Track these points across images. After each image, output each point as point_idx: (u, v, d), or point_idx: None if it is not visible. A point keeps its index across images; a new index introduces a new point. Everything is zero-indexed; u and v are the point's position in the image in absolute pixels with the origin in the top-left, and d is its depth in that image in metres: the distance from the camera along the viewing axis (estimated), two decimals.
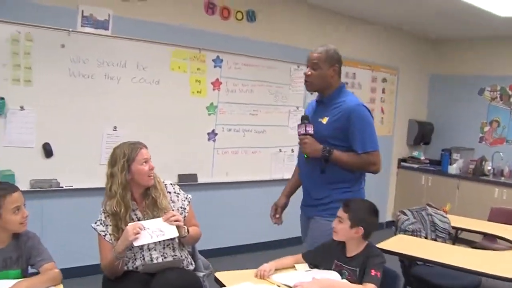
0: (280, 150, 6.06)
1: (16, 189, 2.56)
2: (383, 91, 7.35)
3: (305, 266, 2.98)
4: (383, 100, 7.36)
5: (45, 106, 4.31)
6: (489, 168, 7.34)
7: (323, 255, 2.98)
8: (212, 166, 5.42)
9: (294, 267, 2.98)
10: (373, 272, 2.69)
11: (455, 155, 7.47)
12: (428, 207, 4.88)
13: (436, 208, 4.91)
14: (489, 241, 5.30)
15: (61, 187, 4.44)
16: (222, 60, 5.34)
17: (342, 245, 2.92)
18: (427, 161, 7.90)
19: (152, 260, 2.91)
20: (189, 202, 3.14)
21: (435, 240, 4.63)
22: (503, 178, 7.20)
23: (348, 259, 2.86)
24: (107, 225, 2.87)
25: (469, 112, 7.74)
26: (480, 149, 7.60)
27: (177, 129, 5.11)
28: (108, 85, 4.62)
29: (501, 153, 7.29)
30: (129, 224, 2.76)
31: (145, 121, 4.87)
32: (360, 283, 2.69)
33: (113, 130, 4.69)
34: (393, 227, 4.85)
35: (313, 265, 3.00)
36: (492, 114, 7.61)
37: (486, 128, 7.67)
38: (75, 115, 4.48)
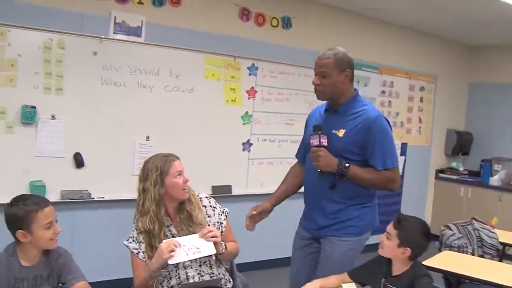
0: None
1: (48, 203, 2.40)
2: (421, 100, 7.10)
3: (352, 286, 2.77)
4: (420, 109, 7.10)
5: (76, 115, 4.19)
6: None
7: (370, 273, 2.78)
8: (246, 177, 5.25)
9: (341, 287, 2.78)
10: None
11: (496, 166, 7.18)
12: (474, 221, 4.63)
13: (482, 223, 4.65)
14: None
15: (92, 198, 4.31)
16: (257, 68, 5.18)
17: (389, 262, 2.72)
18: (466, 172, 7.59)
19: (188, 279, 2.74)
20: (226, 216, 2.95)
21: (482, 256, 4.38)
22: None
23: (393, 278, 2.66)
24: (140, 242, 2.70)
25: (510, 121, 7.42)
26: None
27: (211, 139, 4.95)
28: (141, 93, 4.49)
29: None
30: (164, 241, 2.59)
31: (179, 131, 4.73)
32: None
33: (146, 140, 4.55)
34: (437, 242, 4.59)
35: (361, 284, 2.80)
36: None
37: None
38: (107, 124, 4.36)
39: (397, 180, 2.96)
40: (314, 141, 2.87)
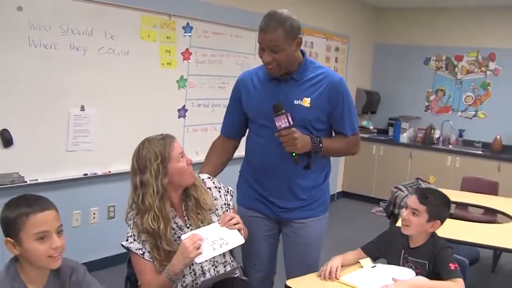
0: None
1: (47, 207, 1.82)
2: (336, 60, 7.10)
3: (369, 261, 2.63)
4: (335, 69, 7.10)
5: (0, 85, 3.51)
6: (437, 136, 7.42)
7: (386, 246, 2.67)
8: (182, 145, 4.84)
9: (358, 263, 2.62)
10: (452, 266, 2.41)
11: (404, 124, 7.44)
12: (420, 181, 4.75)
13: (426, 182, 4.80)
14: (461, 210, 5.29)
15: (24, 182, 3.69)
16: (192, 28, 4.74)
17: (405, 235, 2.62)
18: (375, 130, 7.83)
19: (204, 273, 2.39)
20: (231, 195, 2.61)
21: None
22: (450, 146, 7.30)
23: (413, 250, 2.57)
24: (143, 241, 2.27)
25: (415, 81, 7.73)
26: (426, 118, 7.65)
27: (148, 106, 4.49)
28: (73, 56, 3.89)
29: (450, 122, 7.36)
30: (184, 237, 2.20)
31: (115, 99, 4.22)
32: (431, 277, 2.43)
33: (81, 110, 3.98)
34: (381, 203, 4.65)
35: (376, 257, 2.67)
36: (438, 83, 7.65)
37: (432, 97, 7.70)
38: (36, 94, 3.72)
39: (360, 143, 2.79)
40: (282, 123, 2.45)
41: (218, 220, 2.38)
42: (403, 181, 5.40)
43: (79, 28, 3.88)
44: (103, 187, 4.27)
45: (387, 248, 2.66)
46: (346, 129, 2.66)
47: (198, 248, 2.16)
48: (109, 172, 4.25)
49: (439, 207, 2.55)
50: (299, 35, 2.50)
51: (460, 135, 7.41)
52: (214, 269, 2.42)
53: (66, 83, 3.87)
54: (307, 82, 2.59)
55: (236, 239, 2.31)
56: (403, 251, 2.59)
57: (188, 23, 4.70)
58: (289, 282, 2.42)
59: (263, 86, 2.64)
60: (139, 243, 2.27)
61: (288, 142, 2.47)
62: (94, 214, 4.29)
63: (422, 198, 2.55)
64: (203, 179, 2.53)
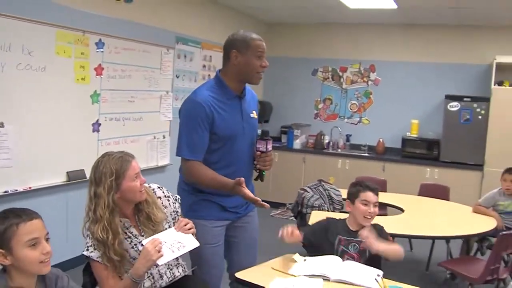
0: (154, 137, 5.79)
1: (35, 216, 1.96)
2: None
3: (299, 256, 2.98)
4: None
5: None
6: (327, 141, 8.04)
7: (324, 234, 3.05)
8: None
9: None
10: (391, 239, 3.01)
11: (296, 131, 7.98)
12: (322, 182, 5.21)
13: (327, 183, 5.27)
14: None
15: None
16: (104, 44, 4.86)
17: (342, 221, 3.05)
18: None
19: (161, 276, 2.61)
20: (179, 203, 2.85)
21: (333, 211, 4.99)
22: (339, 150, 7.95)
23: (354, 232, 2.99)
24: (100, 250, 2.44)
25: (304, 91, 8.31)
26: (316, 125, 8.24)
27: (64, 121, 4.54)
28: None
29: (339, 128, 8.01)
30: (146, 242, 2.39)
31: (33, 115, 4.23)
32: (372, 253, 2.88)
33: (0, 127, 3.96)
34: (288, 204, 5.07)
35: (309, 242, 3.04)
36: (325, 93, 8.29)
37: (320, 105, 8.32)
38: None
39: None
40: (269, 147, 2.85)
41: (174, 226, 2.60)
42: (299, 185, 5.90)
43: None
44: (25, 203, 4.23)
45: (324, 234, 3.04)
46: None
47: (159, 251, 2.36)
48: (30, 188, 4.25)
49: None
50: None
51: (348, 140, 8.08)
52: (169, 272, 2.64)
53: None
54: (248, 97, 2.99)
55: (191, 242, 2.55)
56: (339, 236, 2.99)
57: (100, 39, 4.81)
58: (239, 274, 2.69)
59: (228, 105, 2.86)
60: (98, 251, 2.42)
61: (268, 163, 2.87)
62: None
63: (375, 191, 3.01)
64: (153, 190, 2.72)
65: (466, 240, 4.77)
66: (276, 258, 2.95)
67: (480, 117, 6.84)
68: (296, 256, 2.96)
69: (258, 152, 2.86)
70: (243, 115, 2.91)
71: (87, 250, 2.44)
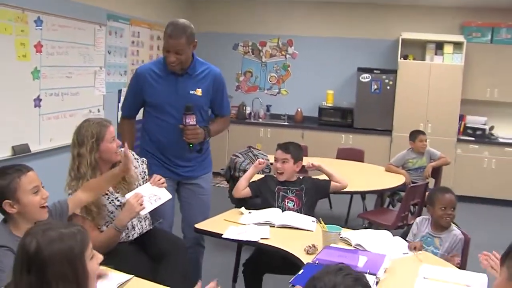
0: (90, 111, 6.03)
1: (29, 168, 2.33)
2: (158, 48, 7.73)
3: (244, 209, 3.48)
4: (157, 57, 7.73)
5: None
6: (249, 112, 8.55)
7: (265, 185, 3.62)
8: (39, 133, 5.16)
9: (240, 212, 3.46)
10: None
11: None
12: (252, 148, 5.72)
13: (255, 149, 5.79)
14: None
15: None
16: (42, 21, 5.03)
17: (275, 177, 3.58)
18: None
19: (134, 227, 3.01)
20: (146, 164, 3.26)
21: (263, 174, 5.50)
22: (260, 119, 8.49)
23: (289, 183, 3.56)
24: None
25: (226, 65, 8.66)
26: (238, 97, 8.70)
27: (6, 98, 4.70)
28: None
29: (259, 99, 8.53)
30: (128, 195, 2.81)
31: None
32: (305, 201, 3.52)
33: None
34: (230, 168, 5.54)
35: (255, 194, 3.61)
36: (246, 66, 8.78)
37: (241, 78, 8.80)
38: None
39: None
40: (190, 121, 3.27)
41: (149, 181, 3.01)
42: (223, 154, 6.49)
43: None
44: None
45: (265, 185, 3.61)
46: (224, 110, 3.62)
47: (141, 204, 2.78)
48: None
49: (298, 151, 3.56)
50: (195, 40, 3.30)
51: (268, 110, 8.64)
52: (139, 224, 3.05)
53: None
54: (198, 76, 3.43)
55: (165, 195, 2.99)
56: (278, 186, 3.54)
57: (39, 17, 4.97)
58: (198, 225, 3.15)
59: (164, 79, 3.36)
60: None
61: (191, 136, 3.28)
62: None
63: (285, 149, 3.51)
64: None
65: (380, 194, 5.47)
66: (226, 212, 3.43)
67: (388, 87, 7.61)
68: (243, 209, 3.46)
69: (181, 125, 3.30)
70: (178, 90, 3.36)
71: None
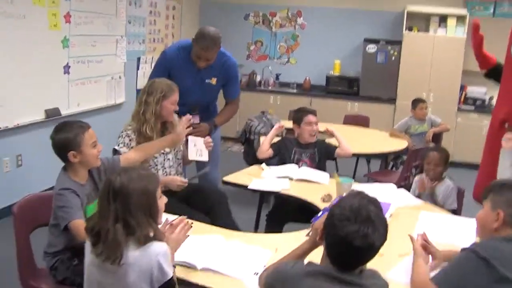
0: (112, 78, 6.40)
1: (89, 125, 2.72)
2: (173, 18, 8.05)
3: (266, 166, 3.89)
4: (173, 27, 8.08)
5: None
6: (259, 80, 8.91)
7: (284, 146, 4.01)
8: (68, 98, 5.54)
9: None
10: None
11: None
12: (264, 113, 6.12)
13: (269, 113, 6.18)
14: None
15: None
16: None
17: (294, 139, 3.99)
18: None
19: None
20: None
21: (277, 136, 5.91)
22: (270, 87, 8.85)
23: (304, 145, 3.95)
24: (131, 147, 3.20)
25: (237, 34, 8.99)
26: (249, 65, 9.03)
27: (40, 65, 5.08)
28: None
29: (269, 67, 8.89)
30: (177, 178, 3.27)
31: (15, 59, 4.75)
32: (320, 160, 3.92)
33: None
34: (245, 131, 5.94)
35: (276, 152, 4.00)
36: (256, 36, 9.09)
37: (252, 47, 9.13)
38: None
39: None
40: (195, 120, 3.75)
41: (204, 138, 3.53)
42: (234, 120, 6.78)
43: None
44: (12, 139, 4.88)
45: (284, 146, 4.01)
46: (235, 94, 4.16)
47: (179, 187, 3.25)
48: (18, 124, 4.84)
49: None
50: (221, 43, 3.80)
51: (277, 78, 8.98)
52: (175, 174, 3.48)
53: None
54: (216, 66, 3.90)
55: (205, 155, 3.45)
56: (295, 148, 3.92)
57: None
58: (226, 178, 3.57)
59: (187, 67, 3.88)
60: (127, 148, 3.20)
61: (198, 133, 3.71)
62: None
63: (315, 113, 3.94)
64: None
65: (384, 158, 5.87)
66: (248, 168, 3.85)
67: (393, 58, 7.94)
68: (263, 165, 3.87)
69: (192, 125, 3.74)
70: (197, 78, 3.86)
71: (118, 145, 3.24)
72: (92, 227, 1.98)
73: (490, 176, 3.43)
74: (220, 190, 3.64)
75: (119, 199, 1.95)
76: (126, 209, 1.94)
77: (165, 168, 3.38)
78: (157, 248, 1.97)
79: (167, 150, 3.36)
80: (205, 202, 3.37)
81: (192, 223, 2.31)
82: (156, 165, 3.35)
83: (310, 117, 3.96)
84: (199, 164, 3.81)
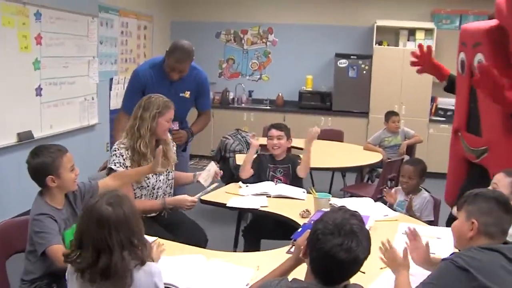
0: (85, 99, 6.35)
1: (67, 149, 2.69)
2: (144, 38, 8.04)
3: (243, 184, 3.89)
4: (145, 46, 8.07)
5: None
6: (232, 97, 8.94)
7: (261, 164, 4.00)
8: (40, 121, 5.48)
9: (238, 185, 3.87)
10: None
11: None
12: (240, 131, 6.14)
13: (243, 131, 6.21)
14: None
15: None
16: (41, 14, 5.34)
17: (268, 155, 3.99)
18: None
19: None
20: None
21: None
22: (243, 104, 8.88)
23: (278, 161, 3.96)
24: (126, 167, 3.16)
25: (209, 52, 9.01)
26: (221, 83, 9.08)
27: (11, 88, 5.02)
28: None
29: (242, 84, 8.92)
30: (188, 198, 3.26)
31: None
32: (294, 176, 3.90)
33: None
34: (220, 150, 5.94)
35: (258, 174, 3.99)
36: (228, 53, 9.14)
37: (224, 65, 9.17)
38: None
39: None
40: (175, 126, 3.88)
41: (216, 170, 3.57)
42: (209, 138, 7.55)
43: None
44: None
45: (260, 164, 3.99)
46: (207, 106, 4.34)
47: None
48: None
49: (288, 129, 3.98)
50: (193, 56, 3.93)
51: (250, 95, 9.03)
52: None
53: None
54: (188, 79, 4.02)
55: (208, 183, 3.48)
56: (269, 164, 3.93)
57: (38, 10, 5.29)
58: (204, 197, 3.54)
59: (160, 82, 3.97)
60: (123, 167, 3.16)
61: (177, 139, 3.85)
62: None
63: (279, 127, 3.93)
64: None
65: (360, 171, 5.93)
66: (225, 186, 3.84)
67: (364, 72, 8.06)
68: (240, 183, 3.87)
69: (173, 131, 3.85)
70: (171, 92, 3.86)
71: (114, 165, 3.18)
72: (101, 267, 1.92)
73: (457, 180, 3.70)
74: (202, 229, 3.56)
75: (122, 228, 1.96)
76: (130, 235, 1.98)
77: (154, 189, 3.34)
78: (153, 268, 2.03)
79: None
80: (184, 235, 3.31)
81: (163, 244, 2.43)
82: (148, 185, 3.30)
83: (272, 131, 3.99)
84: None
